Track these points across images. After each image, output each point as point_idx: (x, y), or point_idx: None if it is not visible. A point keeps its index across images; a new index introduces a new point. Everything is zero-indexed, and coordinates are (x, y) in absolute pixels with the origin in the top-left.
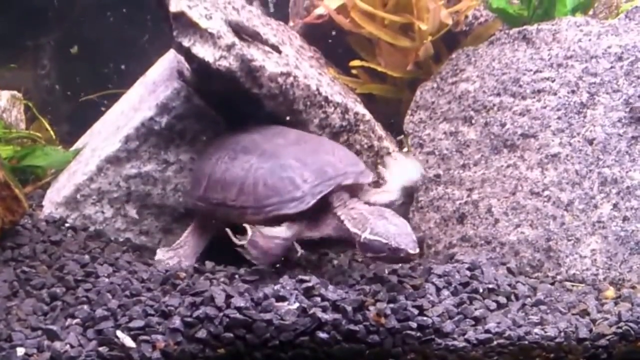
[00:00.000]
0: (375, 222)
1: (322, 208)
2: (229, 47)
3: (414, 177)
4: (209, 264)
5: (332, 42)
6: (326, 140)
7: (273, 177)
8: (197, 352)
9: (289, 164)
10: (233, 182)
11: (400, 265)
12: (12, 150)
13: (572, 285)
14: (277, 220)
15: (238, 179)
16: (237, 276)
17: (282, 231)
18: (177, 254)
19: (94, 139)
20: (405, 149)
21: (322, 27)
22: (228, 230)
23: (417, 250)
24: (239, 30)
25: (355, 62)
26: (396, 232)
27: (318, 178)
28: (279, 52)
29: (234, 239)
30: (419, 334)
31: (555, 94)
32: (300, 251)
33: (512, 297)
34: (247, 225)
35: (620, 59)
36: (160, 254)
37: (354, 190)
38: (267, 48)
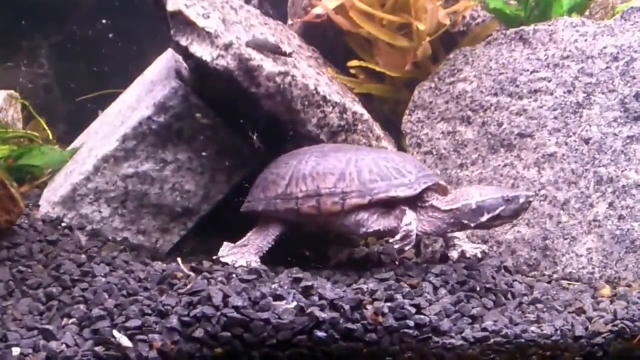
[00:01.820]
0: (477, 188)
1: (412, 205)
2: (227, 47)
3: None
4: (206, 264)
5: (330, 42)
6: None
7: (379, 166)
8: (194, 351)
9: (391, 157)
10: (330, 172)
11: (399, 258)
12: (9, 149)
13: (569, 284)
14: (382, 204)
15: (336, 170)
16: (234, 275)
17: (407, 219)
18: (241, 251)
19: (92, 139)
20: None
21: (320, 27)
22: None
23: (533, 192)
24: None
25: (354, 62)
26: (499, 188)
27: (420, 172)
28: (290, 56)
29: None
30: (416, 332)
31: (551, 94)
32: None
33: (509, 295)
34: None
35: (616, 59)
36: (225, 250)
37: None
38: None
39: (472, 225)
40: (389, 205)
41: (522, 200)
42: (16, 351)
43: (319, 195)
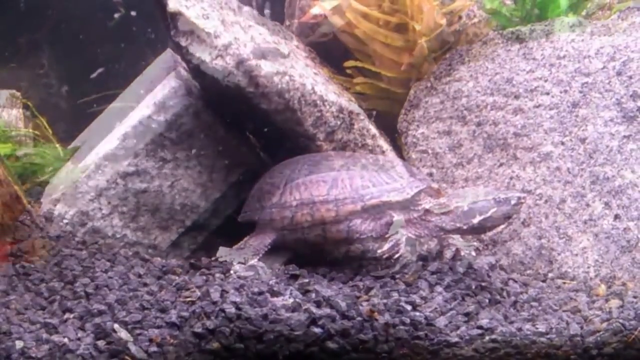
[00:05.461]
0: (469, 190)
1: (405, 209)
2: (226, 47)
3: None
4: (205, 260)
5: (327, 42)
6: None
7: (370, 172)
8: (193, 345)
9: (381, 163)
10: (322, 180)
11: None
12: (11, 148)
13: (564, 283)
14: (375, 210)
15: (329, 177)
16: (232, 272)
17: (394, 228)
18: (239, 254)
19: (92, 137)
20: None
21: (317, 27)
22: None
23: (526, 194)
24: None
25: (350, 62)
26: (492, 190)
27: (411, 177)
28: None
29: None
30: (411, 329)
31: (548, 93)
32: None
33: (504, 293)
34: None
35: (612, 58)
36: (222, 252)
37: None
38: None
39: (465, 227)
40: (381, 211)
41: (513, 202)
42: (19, 344)
43: (313, 202)
